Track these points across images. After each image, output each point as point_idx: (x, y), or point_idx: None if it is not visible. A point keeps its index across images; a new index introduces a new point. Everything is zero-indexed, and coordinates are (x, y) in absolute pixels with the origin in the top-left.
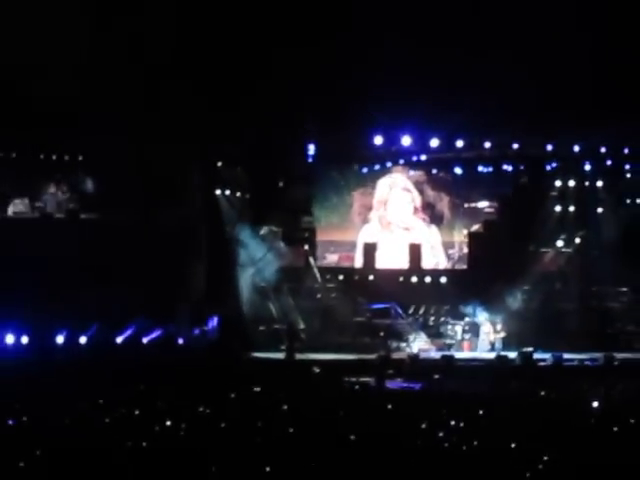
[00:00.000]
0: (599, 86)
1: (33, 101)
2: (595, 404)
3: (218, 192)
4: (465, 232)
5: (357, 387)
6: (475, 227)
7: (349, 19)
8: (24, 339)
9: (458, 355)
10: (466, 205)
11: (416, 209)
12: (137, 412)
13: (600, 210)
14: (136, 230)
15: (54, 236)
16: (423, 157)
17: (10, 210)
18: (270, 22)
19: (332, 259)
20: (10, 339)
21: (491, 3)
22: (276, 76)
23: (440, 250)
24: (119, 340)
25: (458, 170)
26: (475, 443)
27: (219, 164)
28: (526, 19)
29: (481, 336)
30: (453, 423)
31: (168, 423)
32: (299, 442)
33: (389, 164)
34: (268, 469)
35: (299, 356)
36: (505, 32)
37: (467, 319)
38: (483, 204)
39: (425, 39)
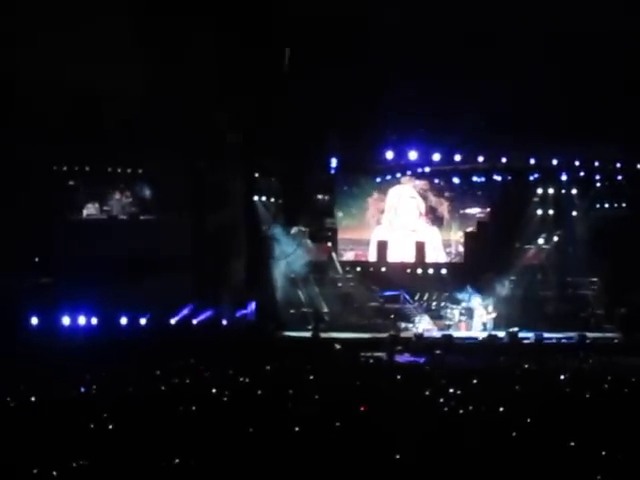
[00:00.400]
0: (574, 110)
1: (104, 122)
2: (562, 377)
3: (256, 198)
4: (461, 232)
5: (371, 361)
6: (470, 228)
7: (365, 53)
8: (94, 320)
9: (456, 334)
10: (462, 210)
11: (420, 213)
12: (188, 381)
13: (574, 213)
14: (187, 229)
15: (118, 234)
16: (427, 169)
17: (84, 213)
18: (298, 55)
19: (350, 256)
20: (82, 320)
21: (483, 38)
22: (305, 102)
23: (440, 247)
24: (173, 321)
25: (456, 180)
26: (470, 408)
27: (257, 175)
28: (514, 53)
29: (475, 318)
30: (451, 391)
31: (214, 391)
32: (323, 406)
33: (398, 175)
34: (297, 429)
35: (323, 335)
36: (495, 64)
37: (463, 304)
38: (476, 208)
39: (428, 71)
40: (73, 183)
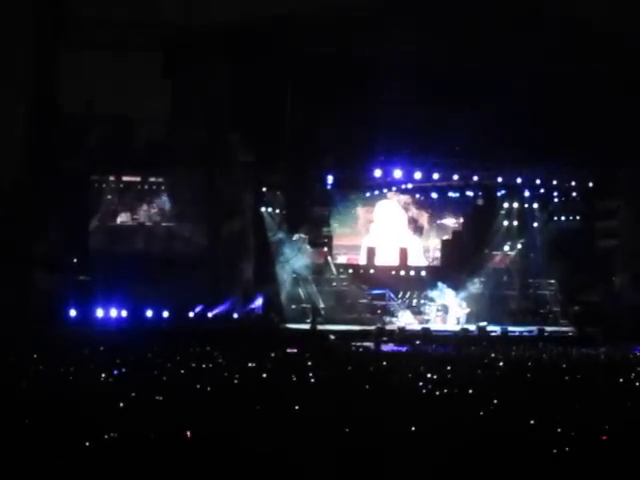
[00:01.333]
0: (536, 137)
1: (135, 143)
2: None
3: (263, 209)
4: (439, 240)
5: (361, 349)
6: (446, 236)
7: (360, 90)
8: (124, 313)
9: (433, 327)
10: (439, 220)
11: (404, 223)
12: (204, 366)
13: (535, 224)
14: (203, 235)
15: (146, 239)
16: (409, 185)
17: (118, 220)
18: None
19: (343, 259)
20: (114, 313)
21: (458, 74)
22: (306, 127)
23: (421, 253)
24: (191, 314)
25: (434, 195)
26: (445, 390)
27: (264, 189)
28: (485, 88)
29: (450, 313)
30: (429, 375)
31: (225, 374)
32: (320, 387)
33: (385, 190)
34: (297, 407)
35: (320, 327)
36: (467, 98)
37: (439, 301)
38: (452, 219)
39: (411, 102)
40: (110, 197)
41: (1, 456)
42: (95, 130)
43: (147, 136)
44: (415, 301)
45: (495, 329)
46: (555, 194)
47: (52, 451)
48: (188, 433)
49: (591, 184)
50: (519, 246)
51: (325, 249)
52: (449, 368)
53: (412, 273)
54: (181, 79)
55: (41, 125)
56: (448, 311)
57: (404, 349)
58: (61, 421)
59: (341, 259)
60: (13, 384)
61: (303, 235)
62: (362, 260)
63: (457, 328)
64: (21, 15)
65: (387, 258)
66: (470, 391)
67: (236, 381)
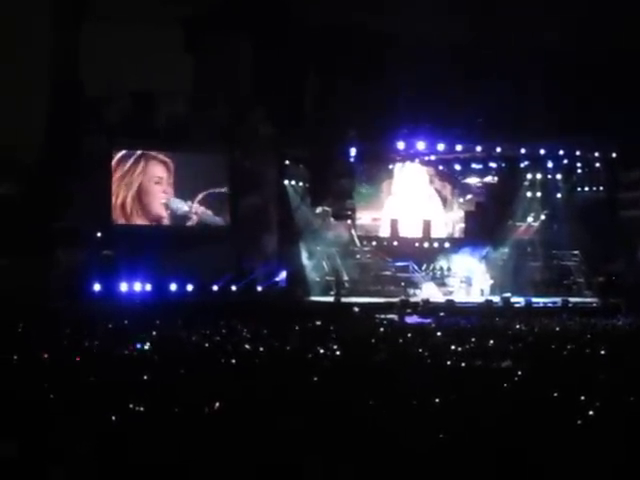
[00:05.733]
0: (559, 108)
1: (156, 122)
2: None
3: (286, 182)
4: (462, 211)
5: (385, 322)
6: (469, 208)
7: (382, 62)
8: (148, 287)
9: (457, 299)
10: (462, 192)
11: (427, 195)
12: (228, 339)
13: (559, 195)
14: (226, 209)
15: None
16: (432, 157)
17: None
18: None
19: (366, 222)
20: (138, 287)
21: (481, 45)
22: (329, 100)
23: (444, 224)
24: (215, 287)
25: (457, 167)
26: (469, 362)
27: (287, 162)
28: (510, 59)
29: (473, 285)
30: (453, 347)
31: (249, 347)
32: (344, 359)
33: (408, 162)
34: (315, 379)
35: (344, 299)
36: (492, 68)
37: (463, 273)
38: (475, 191)
39: (435, 73)
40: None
41: (27, 430)
42: (116, 105)
43: (169, 111)
44: (439, 273)
45: (519, 300)
46: (578, 165)
47: (77, 426)
48: (217, 404)
49: (614, 154)
50: (543, 217)
51: (348, 222)
52: (473, 340)
53: (435, 245)
54: (203, 54)
55: (62, 101)
56: (472, 283)
57: (428, 321)
58: (86, 395)
59: (365, 219)
60: (38, 359)
61: (326, 208)
62: (385, 232)
63: (481, 300)
64: None
65: (410, 230)
66: (495, 363)
67: (260, 353)
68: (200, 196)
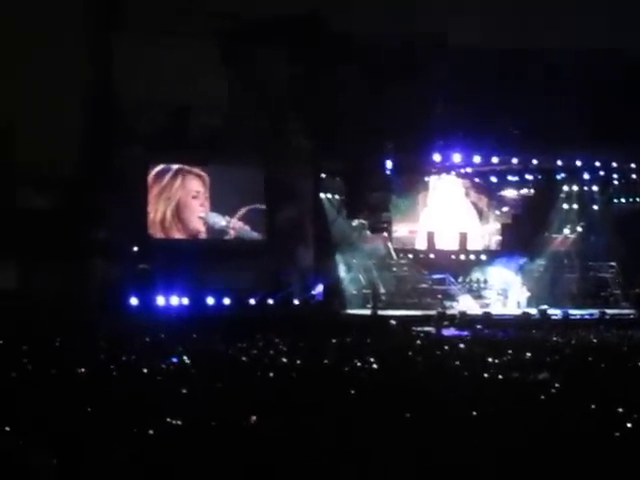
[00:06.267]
0: (595, 120)
1: (191, 134)
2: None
3: (322, 195)
4: (498, 224)
5: (422, 334)
6: (505, 220)
7: (418, 74)
8: (184, 300)
9: (494, 311)
10: (499, 204)
11: (463, 207)
12: (265, 352)
13: (595, 207)
14: (263, 222)
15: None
16: (468, 169)
17: None
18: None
19: (402, 234)
20: (175, 300)
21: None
22: (365, 113)
23: (480, 236)
24: (252, 301)
25: (493, 179)
26: (506, 375)
27: (323, 175)
28: (544, 70)
29: (510, 297)
30: (490, 360)
31: (286, 360)
32: (381, 372)
33: (444, 175)
34: (352, 392)
35: (380, 312)
36: (527, 80)
37: (500, 285)
38: (511, 203)
39: (471, 85)
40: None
41: (64, 444)
42: (152, 119)
43: (204, 123)
44: (475, 285)
45: (556, 312)
46: (615, 176)
47: (115, 439)
48: (253, 418)
49: None
50: (579, 229)
51: (385, 234)
52: (510, 352)
53: (472, 257)
54: (238, 66)
55: (98, 113)
56: (508, 295)
57: (465, 333)
58: (124, 409)
59: (401, 232)
60: (75, 373)
61: (363, 221)
62: (422, 245)
63: (518, 312)
64: (75, 2)
65: (447, 242)
66: (531, 375)
67: (297, 367)
68: (238, 211)
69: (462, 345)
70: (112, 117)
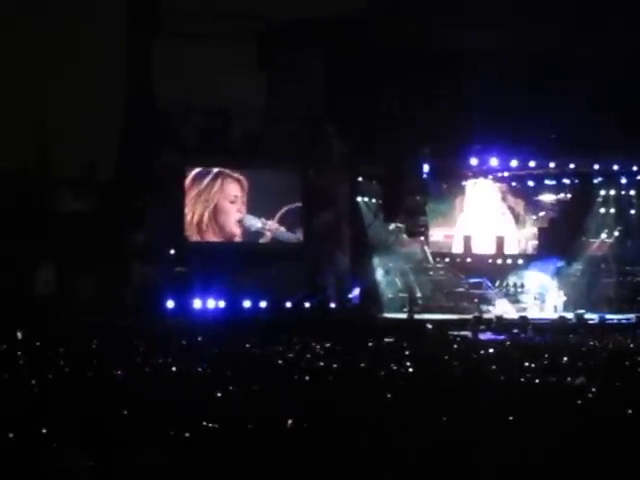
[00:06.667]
0: (632, 123)
1: (229, 138)
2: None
3: (359, 199)
4: (535, 228)
5: (458, 338)
6: (542, 224)
7: (455, 78)
8: (221, 303)
9: (530, 315)
10: (535, 208)
11: (500, 212)
12: (301, 356)
13: (632, 211)
14: (300, 226)
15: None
16: (505, 174)
17: None
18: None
19: (439, 238)
20: (211, 304)
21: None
22: (403, 118)
23: (517, 240)
24: (288, 304)
25: (530, 183)
26: (543, 379)
27: (360, 179)
28: (581, 74)
29: (547, 301)
30: (526, 364)
31: (321, 363)
32: (418, 376)
33: (481, 179)
34: (389, 396)
35: (417, 316)
36: (564, 83)
37: (536, 289)
38: (548, 207)
39: (507, 90)
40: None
41: (100, 446)
42: (190, 122)
43: (242, 127)
44: (512, 289)
45: (593, 317)
46: None
47: (150, 442)
48: (289, 421)
49: None
50: (616, 233)
51: (421, 238)
52: (547, 356)
53: (509, 261)
54: (276, 70)
55: (137, 117)
56: (545, 299)
57: (502, 337)
58: (159, 412)
59: (437, 236)
60: (111, 375)
61: (399, 224)
62: (458, 249)
63: (554, 316)
64: (115, 6)
65: (483, 246)
66: (568, 379)
67: (334, 371)
68: (274, 214)
69: (499, 349)
70: (152, 120)
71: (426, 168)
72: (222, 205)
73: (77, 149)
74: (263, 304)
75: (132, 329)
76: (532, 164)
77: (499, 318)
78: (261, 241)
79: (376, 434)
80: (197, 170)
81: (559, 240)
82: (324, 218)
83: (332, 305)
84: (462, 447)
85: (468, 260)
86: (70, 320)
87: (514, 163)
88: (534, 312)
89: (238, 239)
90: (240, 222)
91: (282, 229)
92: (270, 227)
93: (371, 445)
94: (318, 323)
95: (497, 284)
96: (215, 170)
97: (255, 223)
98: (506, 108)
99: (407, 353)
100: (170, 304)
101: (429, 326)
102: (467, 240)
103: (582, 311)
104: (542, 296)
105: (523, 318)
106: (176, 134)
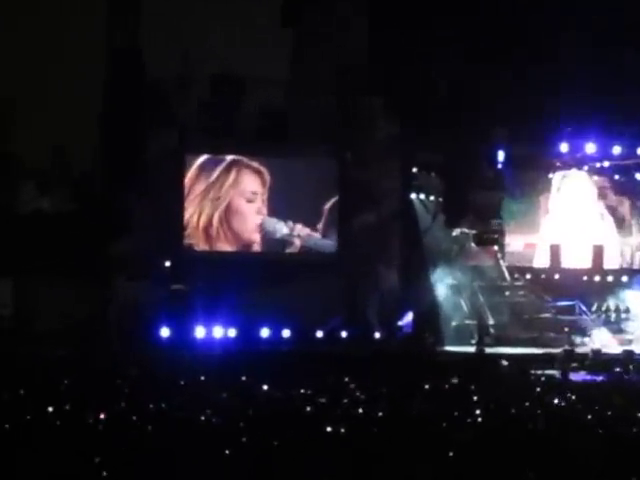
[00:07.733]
0: None
1: (243, 117)
2: None
3: (413, 196)
4: None
5: (543, 379)
6: None
7: (540, 41)
8: (231, 332)
9: (638, 350)
10: None
11: (597, 214)
12: (336, 401)
13: None
14: (333, 231)
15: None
16: (606, 164)
17: None
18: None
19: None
20: (218, 332)
21: None
22: (472, 92)
23: (621, 252)
24: (319, 334)
25: (639, 176)
26: None
27: (414, 170)
28: None
29: None
30: (633, 414)
31: (360, 411)
32: (490, 428)
33: (574, 170)
34: (451, 454)
35: (488, 350)
36: None
37: None
38: None
39: (607, 54)
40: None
41: None
42: (192, 94)
43: (259, 103)
44: (613, 315)
45: None
46: None
47: None
48: None
49: None
50: None
51: (495, 248)
52: None
53: (610, 279)
54: (305, 29)
55: (121, 90)
56: None
57: (600, 378)
58: (150, 476)
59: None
60: (87, 424)
61: (466, 230)
62: (544, 262)
63: None
64: None
65: (576, 259)
66: None
67: (379, 420)
68: (304, 216)
69: (596, 394)
70: (140, 94)
71: (501, 156)
72: (237, 204)
73: (46, 134)
74: (286, 333)
75: (114, 364)
76: None
77: (596, 353)
78: (287, 251)
79: None
80: (203, 158)
81: None
82: (367, 220)
83: (376, 335)
84: None
85: (556, 277)
86: (32, 352)
87: (617, 150)
88: None
89: (257, 248)
90: (260, 226)
91: (315, 235)
92: (299, 232)
93: None
94: (358, 358)
95: (594, 308)
96: (228, 158)
97: (280, 228)
98: (605, 81)
99: (475, 399)
100: (164, 332)
101: (504, 363)
102: (555, 251)
103: None
104: None
105: (628, 353)
106: (172, 111)
